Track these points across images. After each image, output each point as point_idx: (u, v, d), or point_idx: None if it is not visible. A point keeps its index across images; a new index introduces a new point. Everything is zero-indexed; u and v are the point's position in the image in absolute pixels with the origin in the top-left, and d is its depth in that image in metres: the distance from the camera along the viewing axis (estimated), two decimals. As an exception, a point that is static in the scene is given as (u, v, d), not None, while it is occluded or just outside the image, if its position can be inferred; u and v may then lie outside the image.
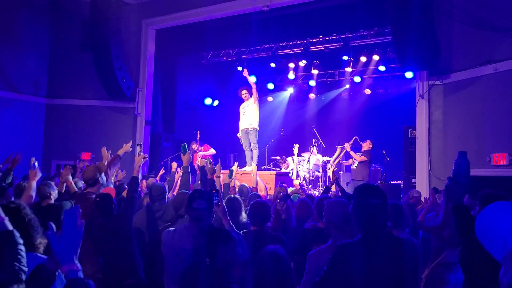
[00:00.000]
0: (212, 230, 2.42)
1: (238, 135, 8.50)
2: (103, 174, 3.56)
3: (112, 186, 4.40)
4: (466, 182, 2.60)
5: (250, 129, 8.25)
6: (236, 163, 6.02)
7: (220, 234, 2.29)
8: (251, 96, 8.30)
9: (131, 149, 4.77)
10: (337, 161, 8.86)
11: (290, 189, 6.02)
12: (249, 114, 8.24)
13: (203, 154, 8.83)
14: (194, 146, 9.03)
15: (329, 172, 8.15)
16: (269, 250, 2.14)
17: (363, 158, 8.21)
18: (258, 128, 8.32)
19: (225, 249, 2.14)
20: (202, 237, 2.39)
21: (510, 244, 0.90)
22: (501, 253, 0.93)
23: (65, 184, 4.42)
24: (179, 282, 2.33)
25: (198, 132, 8.94)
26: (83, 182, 4.24)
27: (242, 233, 3.03)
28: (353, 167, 8.51)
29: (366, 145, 8.50)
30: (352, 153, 8.37)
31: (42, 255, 1.83)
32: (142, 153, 4.78)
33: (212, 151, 9.08)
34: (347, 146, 8.40)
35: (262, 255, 2.12)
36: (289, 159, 9.85)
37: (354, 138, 8.78)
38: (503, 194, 2.65)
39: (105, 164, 4.30)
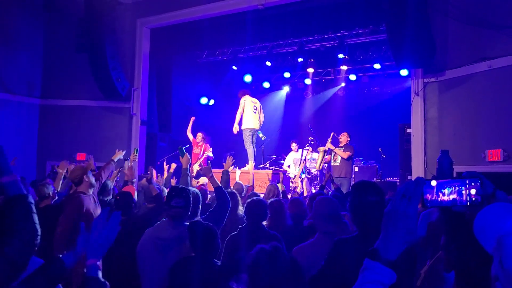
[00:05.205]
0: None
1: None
2: (91, 175, 3.63)
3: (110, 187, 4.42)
4: None
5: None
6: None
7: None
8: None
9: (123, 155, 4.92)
10: (321, 165, 8.30)
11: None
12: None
13: (202, 159, 8.93)
14: (196, 149, 9.20)
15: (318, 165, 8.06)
16: (266, 246, 2.14)
17: (348, 153, 7.85)
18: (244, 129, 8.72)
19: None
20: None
21: (500, 232, 0.99)
22: (492, 245, 1.03)
23: (61, 183, 4.41)
24: (168, 276, 2.35)
25: (193, 118, 9.55)
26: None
27: (238, 229, 3.04)
28: (334, 163, 7.98)
29: (345, 138, 8.01)
30: (337, 150, 7.91)
31: (38, 258, 1.80)
32: (135, 157, 5.02)
33: (210, 154, 9.12)
34: (330, 145, 7.91)
35: (258, 251, 2.12)
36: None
37: (332, 135, 8.17)
38: None
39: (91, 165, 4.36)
